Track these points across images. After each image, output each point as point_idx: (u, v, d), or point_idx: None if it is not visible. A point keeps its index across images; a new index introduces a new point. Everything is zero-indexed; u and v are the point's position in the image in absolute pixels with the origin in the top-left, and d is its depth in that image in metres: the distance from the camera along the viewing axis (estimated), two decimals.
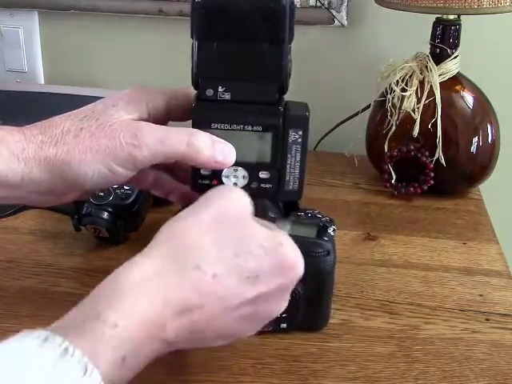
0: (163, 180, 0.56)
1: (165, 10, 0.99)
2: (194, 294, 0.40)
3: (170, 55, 0.99)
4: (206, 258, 0.41)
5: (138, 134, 0.46)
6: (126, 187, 0.68)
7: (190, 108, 0.49)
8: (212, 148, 0.47)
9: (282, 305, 0.46)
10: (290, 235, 0.54)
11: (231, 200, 0.45)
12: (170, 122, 0.52)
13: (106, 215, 0.67)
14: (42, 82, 1.08)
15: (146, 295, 0.39)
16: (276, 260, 0.43)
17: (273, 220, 0.55)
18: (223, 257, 0.41)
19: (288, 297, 0.46)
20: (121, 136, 0.46)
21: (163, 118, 0.51)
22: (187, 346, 0.43)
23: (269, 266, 0.42)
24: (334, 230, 0.55)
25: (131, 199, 0.68)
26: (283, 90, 0.48)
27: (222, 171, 0.49)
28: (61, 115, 0.49)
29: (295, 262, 0.44)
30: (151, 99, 0.50)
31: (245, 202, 0.45)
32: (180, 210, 0.56)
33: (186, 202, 0.56)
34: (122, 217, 0.68)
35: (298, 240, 0.54)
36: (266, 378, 0.53)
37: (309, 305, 0.55)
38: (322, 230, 0.55)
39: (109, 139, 0.46)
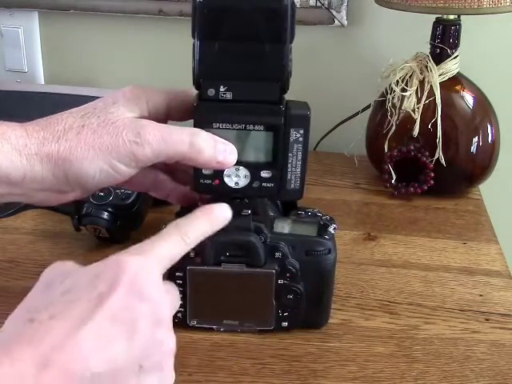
0: (162, 181, 0.55)
1: (165, 10, 0.99)
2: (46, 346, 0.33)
3: (170, 55, 0.99)
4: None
5: (140, 132, 0.46)
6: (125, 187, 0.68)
7: (190, 108, 0.49)
8: (214, 148, 0.47)
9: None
10: (291, 234, 0.55)
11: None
12: (170, 122, 0.52)
13: (105, 215, 0.67)
14: (42, 82, 1.08)
15: None
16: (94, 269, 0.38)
17: (273, 219, 0.56)
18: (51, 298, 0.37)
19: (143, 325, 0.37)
20: (123, 134, 0.46)
21: (163, 117, 0.50)
22: None
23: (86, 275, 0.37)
24: (334, 229, 0.55)
25: (131, 199, 0.68)
26: (284, 89, 0.48)
27: (223, 171, 0.49)
28: (61, 112, 0.48)
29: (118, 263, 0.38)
30: (151, 98, 0.49)
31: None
32: (180, 211, 0.56)
33: (186, 203, 0.57)
34: (121, 217, 0.68)
35: (299, 238, 0.54)
36: (265, 378, 0.53)
37: (310, 303, 0.55)
38: (323, 228, 0.55)
39: (111, 137, 0.46)
